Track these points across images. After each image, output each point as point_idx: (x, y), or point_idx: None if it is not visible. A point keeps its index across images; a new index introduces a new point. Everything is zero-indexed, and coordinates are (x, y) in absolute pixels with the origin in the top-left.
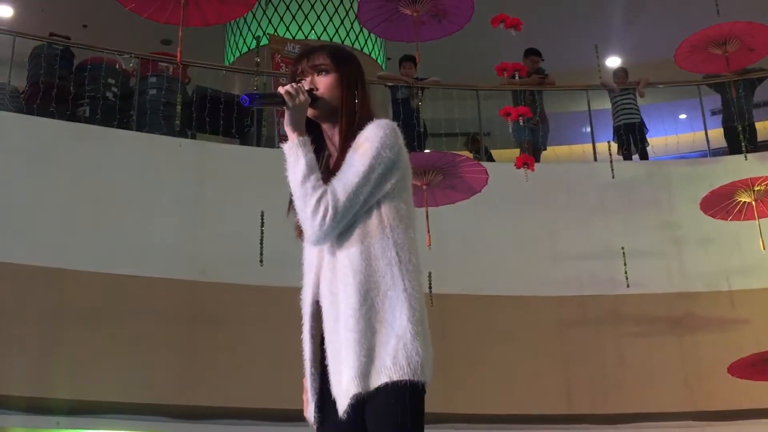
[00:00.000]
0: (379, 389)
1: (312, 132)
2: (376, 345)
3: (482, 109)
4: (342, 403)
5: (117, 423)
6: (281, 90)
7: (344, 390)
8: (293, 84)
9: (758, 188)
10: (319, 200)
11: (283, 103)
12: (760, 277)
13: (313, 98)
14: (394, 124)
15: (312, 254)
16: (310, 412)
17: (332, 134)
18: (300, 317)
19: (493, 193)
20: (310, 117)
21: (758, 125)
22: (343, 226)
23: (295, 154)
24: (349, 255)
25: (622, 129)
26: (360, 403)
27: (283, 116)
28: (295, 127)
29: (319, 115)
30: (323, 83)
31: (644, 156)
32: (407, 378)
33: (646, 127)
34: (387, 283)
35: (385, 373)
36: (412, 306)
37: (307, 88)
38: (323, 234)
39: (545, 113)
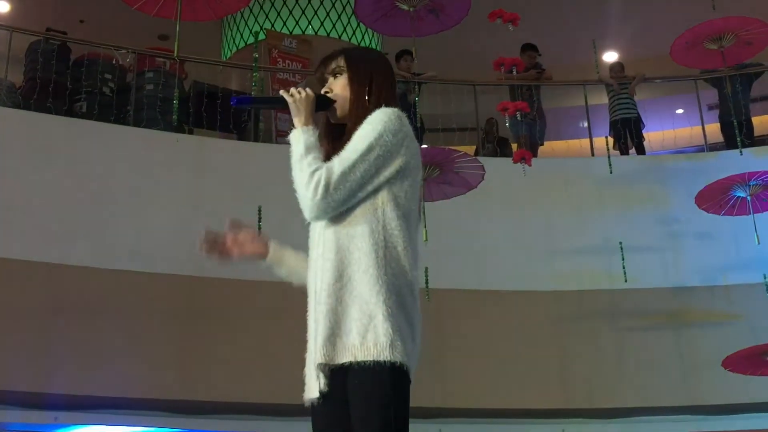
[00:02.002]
0: (349, 369)
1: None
2: (347, 320)
3: (479, 104)
4: (320, 376)
5: (115, 418)
6: (281, 92)
7: (314, 361)
8: (295, 87)
9: (754, 183)
10: (313, 173)
11: (283, 103)
12: (756, 272)
13: (326, 101)
14: (400, 112)
15: (314, 233)
16: (310, 389)
17: None
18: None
19: (491, 187)
20: (333, 122)
21: (755, 120)
22: (340, 201)
23: (296, 138)
24: (336, 232)
25: (619, 124)
26: (342, 379)
27: (281, 112)
28: (300, 119)
29: (337, 117)
30: (336, 85)
31: (641, 151)
32: (371, 358)
33: (642, 123)
34: (368, 263)
35: (351, 352)
36: (390, 290)
37: (323, 92)
38: (316, 205)
39: (542, 108)
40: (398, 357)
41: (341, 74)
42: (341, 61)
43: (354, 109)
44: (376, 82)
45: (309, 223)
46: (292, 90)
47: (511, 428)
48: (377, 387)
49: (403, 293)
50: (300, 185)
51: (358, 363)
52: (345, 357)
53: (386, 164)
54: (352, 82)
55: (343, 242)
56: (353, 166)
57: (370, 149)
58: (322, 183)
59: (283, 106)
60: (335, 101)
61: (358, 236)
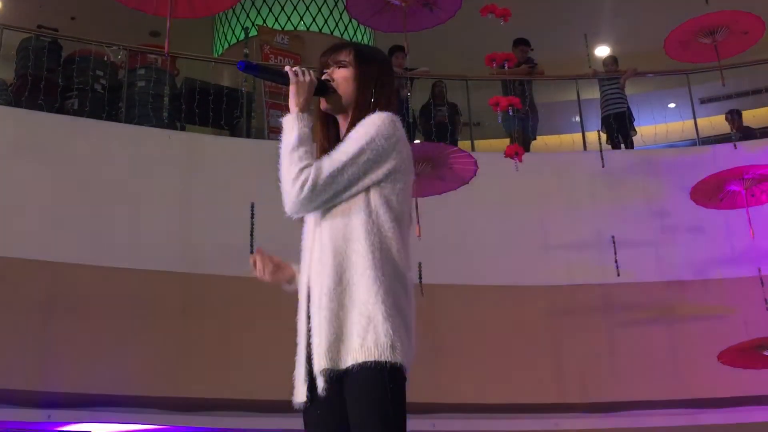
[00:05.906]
0: (348, 371)
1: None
2: (347, 324)
3: (472, 99)
4: (319, 380)
5: (109, 415)
6: (287, 68)
7: (317, 366)
8: (300, 67)
9: (748, 177)
10: (302, 169)
11: (286, 79)
12: (749, 265)
13: (326, 89)
14: (394, 117)
15: (308, 236)
16: (298, 393)
17: (344, 128)
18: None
19: (483, 182)
20: (324, 110)
21: (746, 114)
22: (322, 202)
23: (290, 126)
24: (332, 235)
25: (611, 119)
26: (339, 381)
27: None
28: (297, 103)
29: (332, 108)
30: (339, 76)
31: (631, 145)
32: (373, 359)
33: (632, 117)
34: (365, 265)
35: (352, 355)
36: (387, 291)
37: (324, 78)
38: (299, 202)
39: (534, 103)
40: (398, 358)
41: (346, 68)
42: (350, 56)
43: (355, 110)
44: (380, 87)
45: (301, 222)
46: (297, 69)
47: (505, 423)
48: (377, 388)
49: (398, 294)
50: (286, 179)
51: (358, 364)
52: (347, 361)
53: (375, 167)
54: (358, 82)
55: (340, 246)
56: (342, 169)
57: (360, 152)
58: (309, 182)
59: (286, 83)
60: (336, 90)
61: (354, 239)
